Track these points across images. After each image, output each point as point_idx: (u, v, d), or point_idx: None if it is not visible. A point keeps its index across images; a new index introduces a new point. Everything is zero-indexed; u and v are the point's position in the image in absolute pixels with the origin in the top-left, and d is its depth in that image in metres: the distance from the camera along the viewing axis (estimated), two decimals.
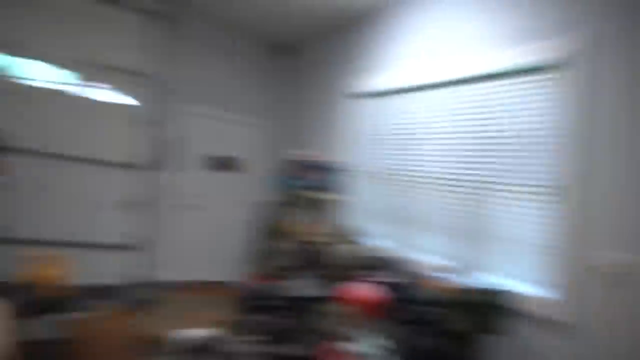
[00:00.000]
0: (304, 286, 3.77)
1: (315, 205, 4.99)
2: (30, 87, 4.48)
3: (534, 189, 3.08)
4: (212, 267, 5.82)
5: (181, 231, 5.57)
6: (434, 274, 3.38)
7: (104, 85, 4.90)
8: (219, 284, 5.71)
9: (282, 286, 3.59)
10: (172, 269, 5.53)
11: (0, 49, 4.28)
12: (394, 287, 3.31)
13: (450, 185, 3.75)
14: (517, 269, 3.16)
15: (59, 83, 4.65)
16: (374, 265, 3.94)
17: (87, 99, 4.80)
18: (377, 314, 3.11)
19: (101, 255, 4.92)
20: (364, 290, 3.25)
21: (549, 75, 3.03)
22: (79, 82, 4.75)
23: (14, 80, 4.38)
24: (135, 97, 5.09)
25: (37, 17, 4.48)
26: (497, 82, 3.40)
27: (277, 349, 3.58)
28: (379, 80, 4.59)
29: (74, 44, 4.68)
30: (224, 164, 5.82)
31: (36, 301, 3.42)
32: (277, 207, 5.27)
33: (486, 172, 3.42)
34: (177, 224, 5.52)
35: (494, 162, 3.38)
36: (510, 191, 3.23)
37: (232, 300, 4.91)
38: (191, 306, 4.69)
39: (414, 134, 4.18)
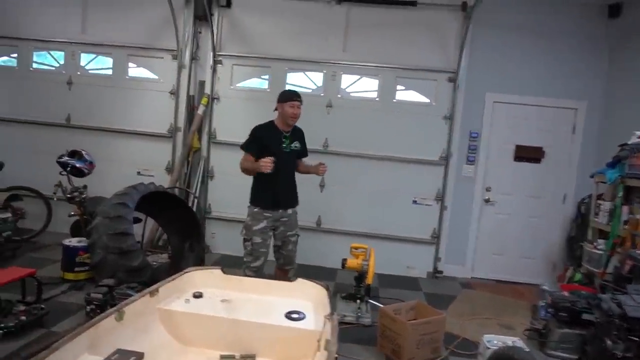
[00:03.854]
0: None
1: None
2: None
3: None
4: (510, 265, 5.34)
5: (478, 226, 5.35)
6: None
7: (403, 86, 5.27)
8: (519, 285, 5.18)
9: (606, 298, 2.89)
10: (468, 264, 5.40)
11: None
12: None
13: None
14: None
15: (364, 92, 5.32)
16: None
17: (393, 102, 5.28)
18: None
19: (399, 247, 5.28)
20: None
21: None
22: (382, 85, 5.27)
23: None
24: (431, 93, 5.22)
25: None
26: None
27: None
28: None
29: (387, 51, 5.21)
30: (529, 154, 5.20)
31: (358, 287, 3.94)
32: (598, 202, 4.34)
33: None
34: (474, 218, 5.34)
35: None
36: None
37: (533, 304, 4.39)
38: (486, 306, 4.41)
39: None
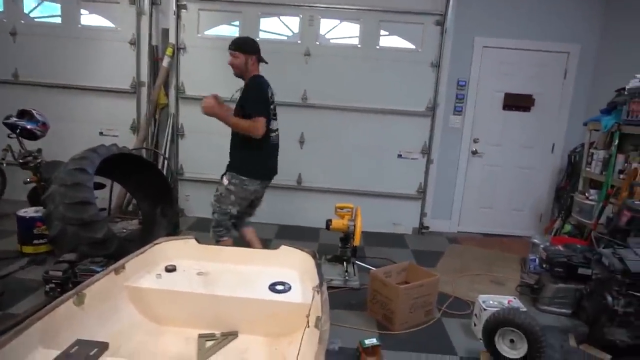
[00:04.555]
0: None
1: None
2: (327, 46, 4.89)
3: None
4: (498, 218, 5.23)
5: (465, 179, 5.17)
6: None
7: (387, 31, 4.85)
8: (507, 237, 5.10)
9: (607, 253, 2.75)
10: (454, 219, 5.26)
11: None
12: None
13: None
14: None
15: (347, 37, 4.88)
16: None
17: (376, 49, 4.86)
18: None
19: (384, 203, 5.07)
20: None
21: None
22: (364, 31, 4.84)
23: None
24: (417, 38, 4.83)
25: None
26: None
27: (594, 330, 2.83)
28: None
29: None
30: (519, 102, 4.95)
31: (344, 248, 3.74)
32: (590, 151, 4.18)
33: None
34: (460, 171, 5.14)
35: None
36: None
37: (522, 257, 4.30)
38: (475, 261, 4.30)
39: None
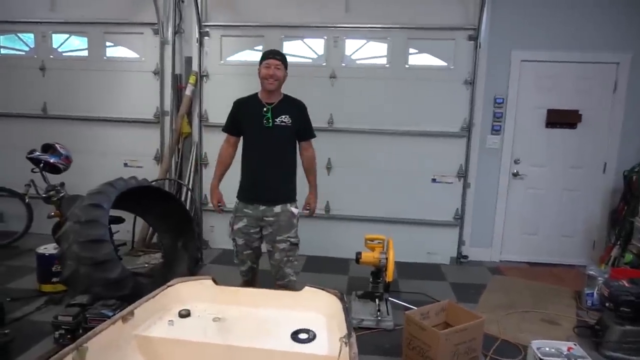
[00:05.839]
0: None
1: None
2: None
3: None
4: (545, 246, 4.77)
5: (506, 203, 4.76)
6: None
7: (416, 49, 4.61)
8: (556, 267, 4.64)
9: None
10: (495, 247, 4.84)
11: None
12: None
13: None
14: None
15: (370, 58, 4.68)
16: None
17: (405, 68, 4.62)
18: None
19: (418, 231, 4.73)
20: None
21: None
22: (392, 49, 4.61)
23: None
24: (449, 55, 4.55)
25: None
26: None
27: None
28: None
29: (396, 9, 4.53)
30: (563, 119, 4.54)
31: (376, 284, 3.44)
32: None
33: None
34: (501, 195, 4.74)
35: None
36: None
37: (576, 291, 3.86)
38: (523, 295, 3.87)
39: None
